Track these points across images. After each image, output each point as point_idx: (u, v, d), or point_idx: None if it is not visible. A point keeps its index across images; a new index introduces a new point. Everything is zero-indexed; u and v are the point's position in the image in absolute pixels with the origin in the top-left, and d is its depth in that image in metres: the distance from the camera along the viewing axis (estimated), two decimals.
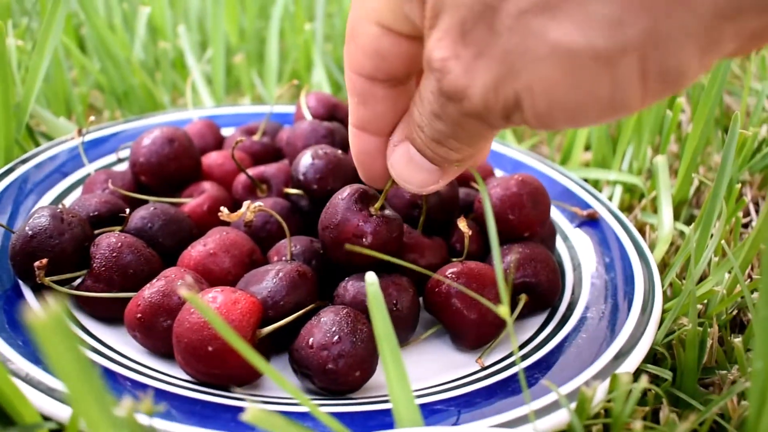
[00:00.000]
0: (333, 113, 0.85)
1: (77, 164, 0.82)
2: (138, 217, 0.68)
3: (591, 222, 0.78)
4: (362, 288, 0.61)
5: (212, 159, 0.82)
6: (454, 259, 0.67)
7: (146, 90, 1.10)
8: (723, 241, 0.65)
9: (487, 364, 0.62)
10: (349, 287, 0.62)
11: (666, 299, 0.67)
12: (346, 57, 0.50)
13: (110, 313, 0.63)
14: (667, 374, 0.58)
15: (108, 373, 0.55)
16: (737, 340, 0.59)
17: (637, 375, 0.56)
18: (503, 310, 0.40)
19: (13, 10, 1.23)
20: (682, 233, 0.80)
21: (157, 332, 0.58)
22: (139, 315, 0.58)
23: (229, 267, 0.64)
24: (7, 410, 0.46)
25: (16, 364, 0.51)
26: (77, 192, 0.78)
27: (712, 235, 0.66)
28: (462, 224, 0.63)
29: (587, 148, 1.03)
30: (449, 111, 0.42)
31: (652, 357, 0.62)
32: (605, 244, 0.74)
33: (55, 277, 0.61)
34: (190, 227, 0.70)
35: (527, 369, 0.58)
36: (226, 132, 0.92)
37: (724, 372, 0.60)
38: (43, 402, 0.48)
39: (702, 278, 0.67)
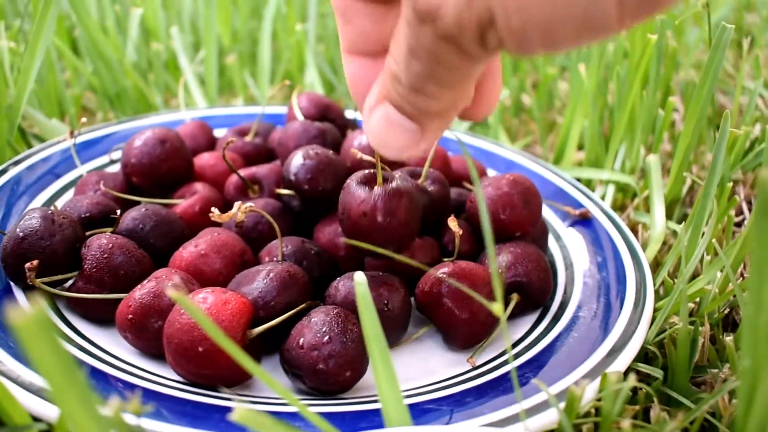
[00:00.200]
0: (325, 114, 0.85)
1: (69, 166, 0.82)
2: (129, 218, 0.68)
3: (583, 221, 0.78)
4: (353, 288, 0.61)
5: (204, 160, 0.82)
6: (446, 259, 0.67)
7: (139, 91, 1.10)
8: (714, 240, 0.65)
9: (478, 363, 0.62)
10: (340, 287, 0.62)
11: (658, 298, 0.67)
12: None
13: (101, 315, 0.63)
14: (658, 373, 0.58)
15: (99, 374, 0.55)
16: (729, 339, 0.59)
17: (628, 374, 0.57)
18: (497, 307, 0.40)
19: (5, 12, 1.23)
20: (674, 232, 0.80)
21: (148, 333, 0.58)
22: (130, 316, 0.58)
23: (220, 268, 0.64)
24: None
25: (6, 366, 0.51)
26: (69, 193, 0.78)
27: (703, 234, 0.66)
28: (453, 224, 0.63)
29: (580, 147, 1.03)
30: (424, 39, 0.41)
31: (644, 356, 0.62)
32: (597, 243, 0.74)
33: (46, 279, 0.61)
34: (182, 228, 0.70)
35: (518, 368, 0.59)
36: (219, 133, 0.92)
37: (716, 371, 0.60)
38: (33, 403, 0.48)
39: (695, 277, 0.67)
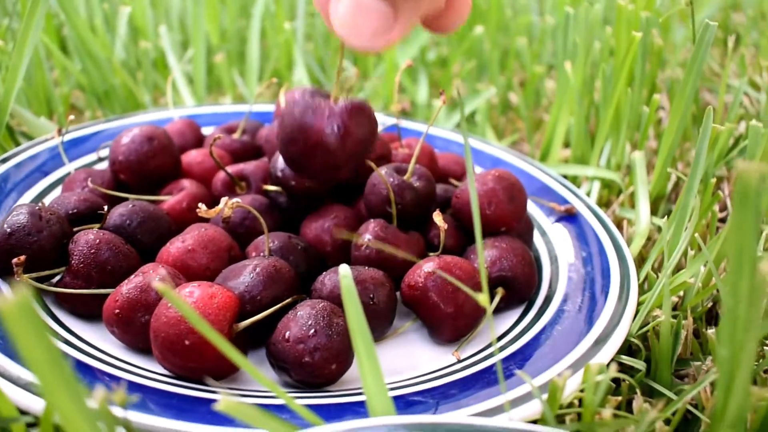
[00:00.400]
0: None
1: (57, 163, 0.82)
2: (117, 214, 0.69)
3: (569, 217, 0.78)
4: (339, 282, 0.61)
5: (192, 157, 0.82)
6: (431, 254, 0.68)
7: (127, 90, 1.10)
8: (697, 235, 0.66)
9: (463, 356, 0.62)
10: (326, 281, 0.62)
11: (642, 292, 0.68)
12: None
13: (89, 310, 0.63)
14: (640, 365, 0.58)
15: (87, 368, 0.55)
16: (711, 332, 0.60)
17: (610, 366, 0.57)
18: (483, 298, 0.41)
19: None
20: (659, 228, 0.80)
21: (135, 327, 0.59)
22: (117, 311, 0.58)
23: (207, 263, 0.65)
24: None
25: None
26: (57, 191, 0.78)
27: (686, 228, 0.67)
28: (438, 218, 0.63)
29: (566, 144, 1.04)
30: None
31: (627, 349, 0.63)
32: (583, 238, 0.74)
33: (33, 274, 0.61)
34: (169, 224, 0.70)
35: (503, 360, 0.59)
36: (207, 131, 0.93)
37: (699, 363, 0.60)
38: (20, 396, 0.48)
39: (679, 271, 0.68)
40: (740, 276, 0.38)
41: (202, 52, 1.15)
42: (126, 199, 0.73)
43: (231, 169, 0.77)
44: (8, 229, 0.61)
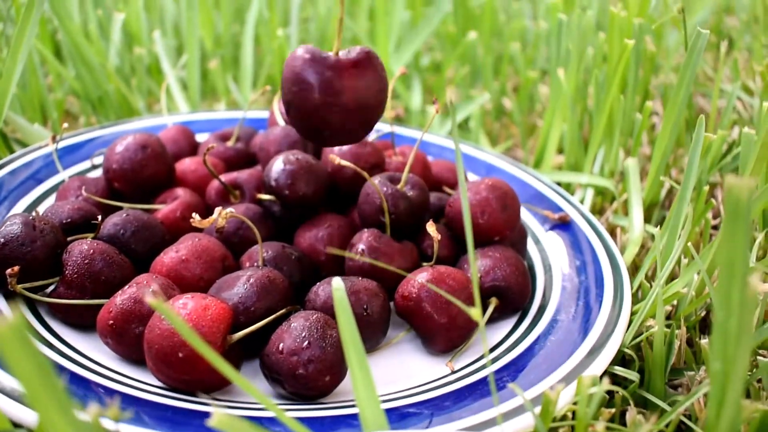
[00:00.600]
0: None
1: (51, 171, 0.82)
2: (110, 223, 0.68)
3: (563, 225, 0.78)
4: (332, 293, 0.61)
5: (186, 165, 0.82)
6: (425, 264, 0.68)
7: (122, 96, 1.10)
8: (690, 244, 0.66)
9: (457, 367, 0.62)
10: (320, 292, 0.63)
11: (636, 301, 0.68)
12: None
13: (83, 320, 0.63)
14: (634, 376, 0.59)
15: (80, 379, 0.55)
16: (704, 342, 0.60)
17: (604, 378, 0.57)
18: (475, 312, 0.41)
19: None
20: (653, 235, 0.81)
21: (129, 339, 0.59)
22: (111, 322, 0.58)
23: (200, 273, 0.65)
24: None
25: None
26: (52, 198, 0.78)
27: (680, 236, 0.67)
28: (431, 229, 0.63)
29: (560, 151, 1.04)
30: None
31: (621, 359, 0.63)
32: (576, 247, 0.75)
33: (27, 284, 0.61)
34: (163, 233, 0.70)
35: (496, 372, 0.59)
36: (201, 138, 0.92)
37: (692, 373, 0.60)
38: (14, 408, 0.48)
39: (673, 279, 0.68)
40: (731, 289, 0.38)
41: (196, 58, 1.15)
42: (120, 208, 0.73)
43: (225, 177, 0.77)
44: (2, 240, 0.61)
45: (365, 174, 0.68)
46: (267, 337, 0.58)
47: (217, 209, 0.61)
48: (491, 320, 0.68)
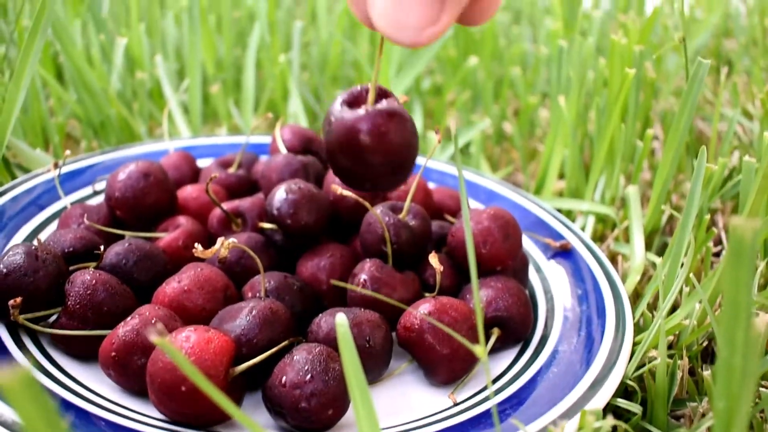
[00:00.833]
0: (308, 146, 0.86)
1: (53, 197, 0.82)
2: (113, 253, 0.69)
3: (564, 253, 0.78)
4: (335, 325, 0.61)
5: (187, 192, 0.82)
6: (427, 294, 0.68)
7: (123, 120, 1.10)
8: (692, 274, 0.66)
9: (459, 399, 0.62)
10: (322, 324, 0.63)
11: (638, 331, 0.68)
12: None
13: (85, 351, 0.63)
14: (636, 408, 0.58)
15: (82, 412, 0.55)
16: (707, 373, 0.60)
17: (607, 410, 0.57)
18: (479, 349, 0.41)
19: None
20: (654, 264, 0.81)
21: (132, 370, 0.58)
22: (113, 353, 0.58)
23: (203, 303, 0.64)
24: None
25: None
26: (53, 225, 0.78)
27: (682, 264, 0.67)
28: (434, 260, 0.63)
29: (561, 176, 1.04)
30: None
31: (623, 390, 0.63)
32: (578, 275, 0.75)
33: (29, 315, 0.61)
34: (165, 262, 0.70)
35: (499, 404, 0.59)
36: (203, 163, 0.93)
37: (695, 404, 0.60)
38: None
39: (675, 308, 0.68)
40: (736, 329, 0.38)
41: (198, 82, 1.15)
42: (122, 236, 0.73)
43: (227, 205, 0.77)
44: (4, 270, 0.61)
45: (367, 204, 0.68)
46: (270, 368, 0.58)
47: (220, 239, 0.61)
48: (493, 350, 0.68)
